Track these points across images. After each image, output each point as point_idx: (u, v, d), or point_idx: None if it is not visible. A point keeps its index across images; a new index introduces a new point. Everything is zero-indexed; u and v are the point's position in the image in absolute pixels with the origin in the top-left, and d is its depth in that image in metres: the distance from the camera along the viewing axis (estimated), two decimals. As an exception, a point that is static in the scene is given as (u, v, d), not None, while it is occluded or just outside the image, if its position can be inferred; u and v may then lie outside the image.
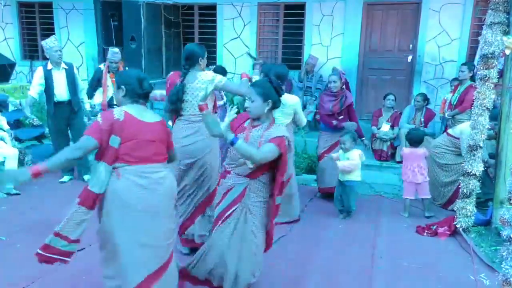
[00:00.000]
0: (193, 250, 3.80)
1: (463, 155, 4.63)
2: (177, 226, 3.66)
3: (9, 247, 3.94)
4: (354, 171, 4.73)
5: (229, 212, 2.86)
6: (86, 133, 2.49)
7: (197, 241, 3.78)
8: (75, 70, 5.63)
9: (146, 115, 2.66)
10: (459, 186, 4.49)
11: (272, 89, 2.81)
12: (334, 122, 5.09)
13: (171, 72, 3.94)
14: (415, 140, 4.95)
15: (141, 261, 2.54)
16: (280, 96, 2.87)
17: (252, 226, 2.85)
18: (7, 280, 3.36)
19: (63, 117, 5.53)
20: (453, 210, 4.59)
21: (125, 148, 2.51)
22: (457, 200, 4.52)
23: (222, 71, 5.37)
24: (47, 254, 2.55)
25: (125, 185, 2.50)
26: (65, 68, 5.48)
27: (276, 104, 2.84)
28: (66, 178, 5.72)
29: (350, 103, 5.17)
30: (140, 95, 2.67)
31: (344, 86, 5.15)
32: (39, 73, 5.42)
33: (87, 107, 5.88)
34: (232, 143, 2.60)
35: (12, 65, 8.63)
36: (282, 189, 2.85)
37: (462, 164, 4.48)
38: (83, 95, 5.78)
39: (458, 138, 4.96)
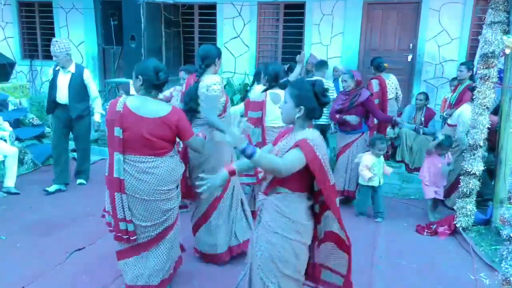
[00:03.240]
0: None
1: (458, 137, 4.86)
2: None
3: (9, 246, 3.94)
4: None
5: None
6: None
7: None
8: (86, 75, 5.25)
9: (147, 108, 2.78)
10: (458, 180, 4.53)
11: (310, 92, 2.25)
12: (337, 115, 5.04)
13: (189, 75, 3.90)
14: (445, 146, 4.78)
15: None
16: (323, 104, 2.29)
17: (259, 270, 2.32)
18: (7, 280, 3.36)
19: (63, 119, 5.28)
20: (452, 209, 4.59)
21: (124, 139, 2.77)
22: (454, 193, 4.69)
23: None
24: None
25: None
26: (72, 72, 5.16)
27: (313, 114, 2.29)
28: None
29: (364, 101, 4.98)
30: (156, 86, 2.82)
31: (360, 85, 5.06)
32: (49, 71, 5.35)
33: (96, 118, 5.39)
34: (250, 156, 2.08)
35: (12, 65, 8.62)
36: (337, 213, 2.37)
37: (462, 154, 4.59)
38: (95, 104, 5.39)
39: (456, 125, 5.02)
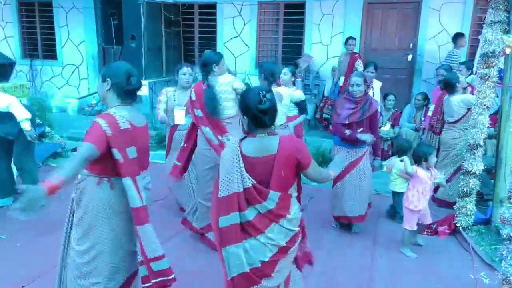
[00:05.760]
0: None
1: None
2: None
3: (9, 246, 3.94)
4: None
5: None
6: (89, 141, 2.26)
7: None
8: None
9: (138, 118, 2.49)
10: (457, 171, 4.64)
11: (247, 101, 2.28)
12: (347, 132, 4.19)
13: (193, 84, 4.05)
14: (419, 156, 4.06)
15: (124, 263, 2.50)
16: (262, 112, 2.26)
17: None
18: (7, 279, 3.36)
19: None
20: (452, 209, 4.60)
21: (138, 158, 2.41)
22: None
23: None
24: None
25: (116, 193, 2.40)
26: None
27: (255, 122, 2.29)
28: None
29: (374, 112, 4.29)
30: (127, 92, 2.43)
31: (367, 90, 4.44)
32: None
33: None
34: None
35: (12, 64, 8.61)
36: None
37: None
38: None
39: (457, 121, 4.98)
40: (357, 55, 7.12)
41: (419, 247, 4.17)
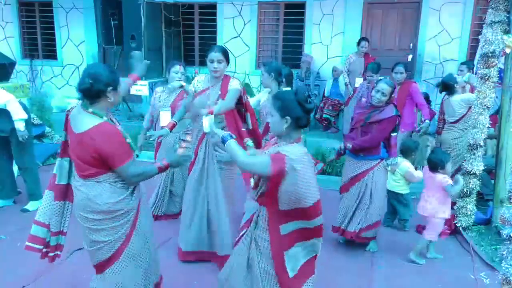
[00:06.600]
0: None
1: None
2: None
3: (9, 246, 3.94)
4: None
5: (241, 233, 2.55)
6: None
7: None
8: None
9: (78, 121, 2.37)
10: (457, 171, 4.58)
11: (293, 101, 2.21)
12: (348, 145, 3.85)
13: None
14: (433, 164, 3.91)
15: None
16: (308, 111, 2.24)
17: (258, 267, 2.35)
18: (7, 279, 3.36)
19: None
20: (452, 209, 4.59)
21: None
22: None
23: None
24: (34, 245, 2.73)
25: None
26: None
27: (300, 122, 2.23)
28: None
29: (385, 119, 3.79)
30: (82, 92, 2.34)
31: (393, 101, 3.99)
32: None
33: None
34: (223, 141, 2.31)
35: (12, 64, 8.62)
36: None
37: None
38: None
39: (457, 121, 4.97)
40: (371, 56, 7.07)
41: (422, 252, 4.16)
